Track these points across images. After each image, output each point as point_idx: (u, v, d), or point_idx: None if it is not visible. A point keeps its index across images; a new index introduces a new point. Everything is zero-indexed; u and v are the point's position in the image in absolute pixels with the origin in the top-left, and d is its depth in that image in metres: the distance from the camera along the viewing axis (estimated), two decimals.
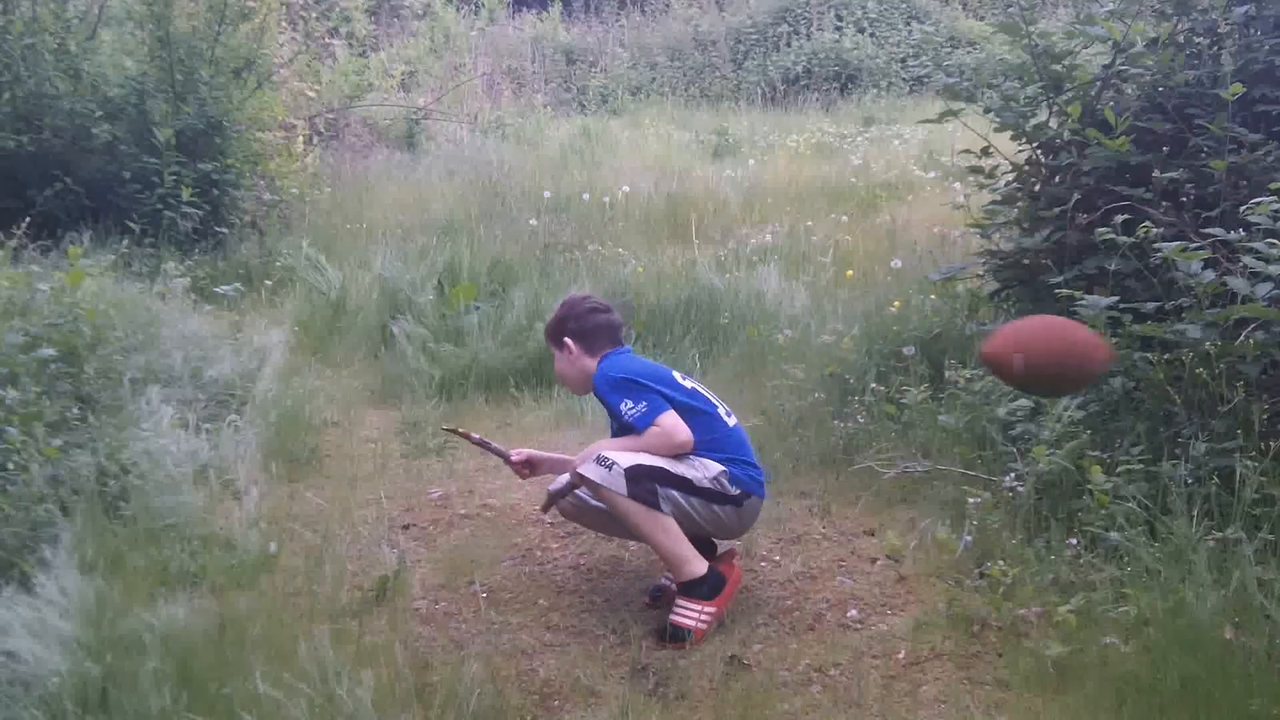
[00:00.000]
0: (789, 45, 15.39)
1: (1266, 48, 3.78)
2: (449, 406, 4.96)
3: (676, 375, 3.19)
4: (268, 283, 6.41)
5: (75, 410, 3.72)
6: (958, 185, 7.47)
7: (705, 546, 3.16)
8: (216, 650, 2.66)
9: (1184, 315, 3.11)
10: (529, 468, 3.39)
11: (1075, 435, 3.20)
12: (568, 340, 3.24)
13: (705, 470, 3.00)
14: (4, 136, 6.38)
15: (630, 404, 3.01)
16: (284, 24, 8.75)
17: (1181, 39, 4.08)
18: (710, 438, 3.06)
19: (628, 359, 3.21)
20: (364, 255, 6.69)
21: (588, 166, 9.70)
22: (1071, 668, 2.60)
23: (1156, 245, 3.18)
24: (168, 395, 4.14)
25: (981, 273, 4.49)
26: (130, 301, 4.72)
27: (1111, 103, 3.95)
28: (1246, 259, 3.00)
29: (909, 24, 15.58)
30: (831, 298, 5.53)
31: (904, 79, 14.81)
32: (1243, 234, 3.11)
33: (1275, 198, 3.08)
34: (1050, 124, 4.18)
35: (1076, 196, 3.83)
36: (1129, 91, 4.09)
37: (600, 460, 2.95)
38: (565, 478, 3.16)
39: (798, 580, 3.26)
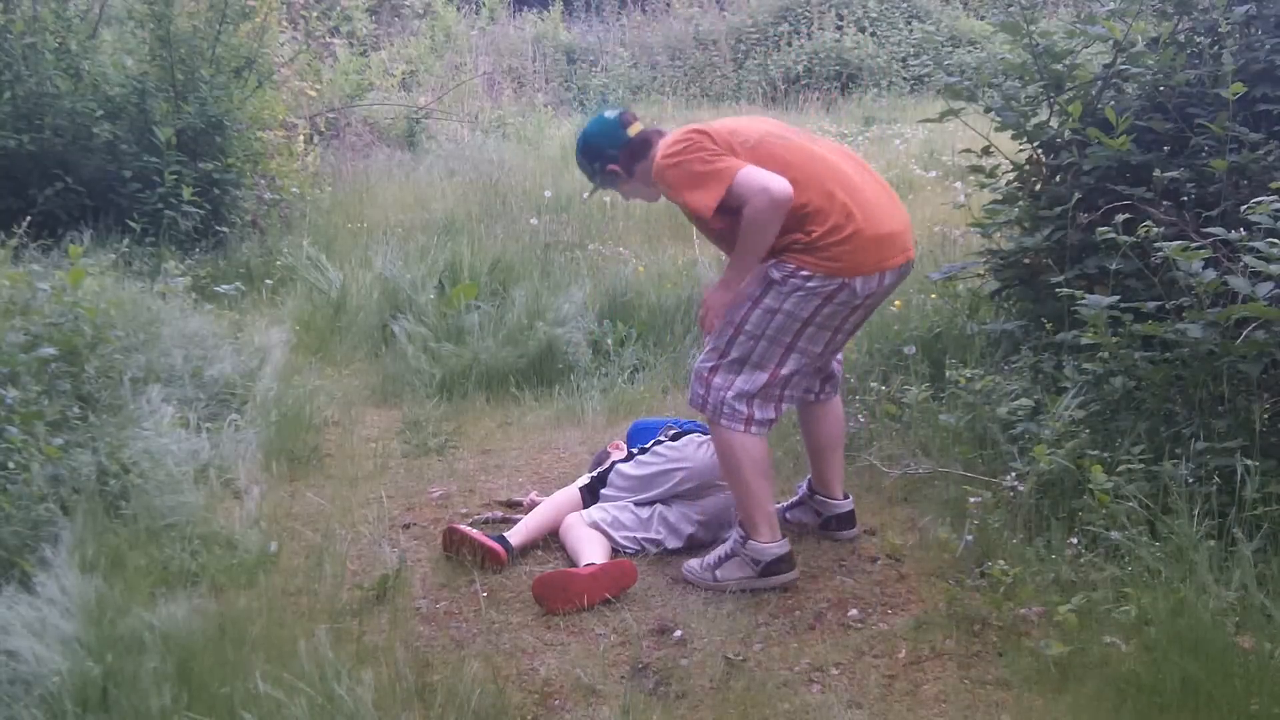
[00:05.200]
0: (790, 45, 15.38)
1: (1267, 47, 3.78)
2: (449, 406, 4.96)
3: None
4: (268, 282, 6.41)
5: (76, 409, 3.72)
6: (959, 184, 7.47)
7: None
8: (217, 650, 2.66)
9: (1185, 315, 3.10)
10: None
11: (1076, 435, 3.20)
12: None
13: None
14: (4, 136, 6.37)
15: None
16: (285, 23, 8.75)
17: (1182, 38, 4.07)
18: None
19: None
20: (364, 254, 6.68)
21: None
22: (1072, 667, 2.60)
23: (1157, 244, 3.17)
24: (168, 394, 4.14)
25: (982, 272, 4.49)
26: (131, 301, 4.71)
27: (1112, 102, 3.95)
28: (1247, 258, 2.99)
29: (910, 23, 15.58)
30: None
31: (905, 78, 14.80)
32: (1243, 233, 3.10)
33: (1276, 197, 3.07)
34: (1051, 123, 4.17)
35: (1077, 196, 3.83)
36: (1130, 91, 4.08)
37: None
38: None
39: (798, 579, 3.26)
